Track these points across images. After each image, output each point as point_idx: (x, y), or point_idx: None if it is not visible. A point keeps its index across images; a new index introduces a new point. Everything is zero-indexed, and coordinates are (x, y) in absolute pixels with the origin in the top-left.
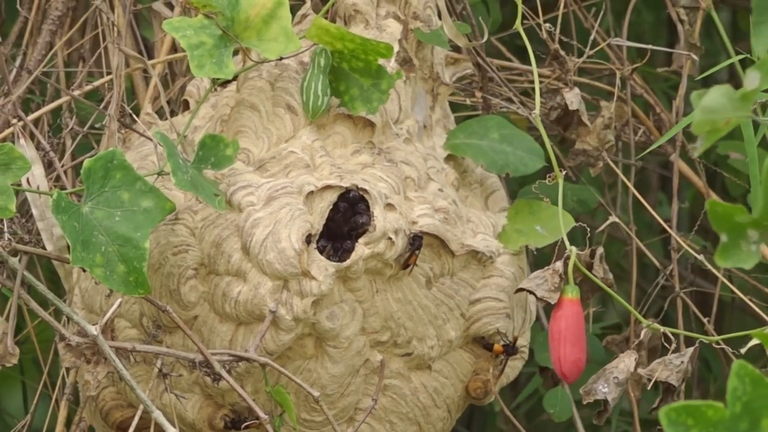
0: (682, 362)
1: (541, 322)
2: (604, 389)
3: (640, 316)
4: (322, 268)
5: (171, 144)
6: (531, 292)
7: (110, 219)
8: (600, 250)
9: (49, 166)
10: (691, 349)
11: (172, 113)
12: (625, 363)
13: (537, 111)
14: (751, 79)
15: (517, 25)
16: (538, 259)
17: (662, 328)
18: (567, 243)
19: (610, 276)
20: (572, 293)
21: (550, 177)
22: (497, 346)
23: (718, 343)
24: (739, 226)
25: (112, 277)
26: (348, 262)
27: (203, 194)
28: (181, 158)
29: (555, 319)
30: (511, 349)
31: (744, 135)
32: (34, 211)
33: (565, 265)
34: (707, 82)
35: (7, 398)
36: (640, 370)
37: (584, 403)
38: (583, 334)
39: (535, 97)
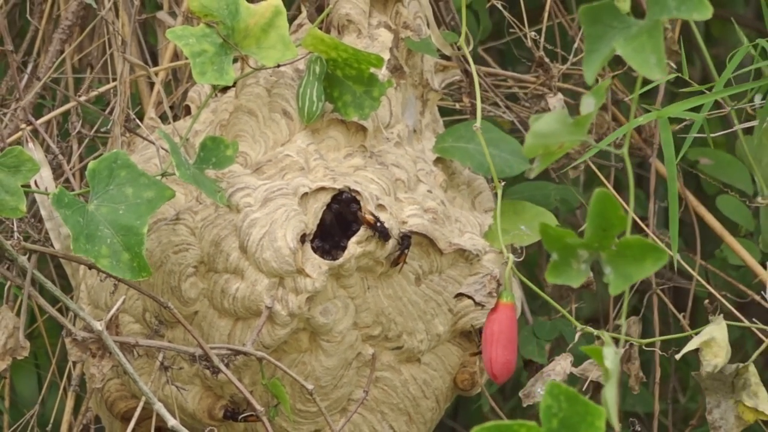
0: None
1: (525, 317)
2: (542, 392)
3: (575, 321)
4: (316, 266)
5: (174, 141)
6: (470, 297)
7: (115, 213)
8: None
9: (57, 168)
10: (622, 350)
11: (175, 118)
12: (561, 365)
13: (478, 123)
14: (586, 105)
15: (463, 47)
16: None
17: (595, 332)
18: (505, 251)
19: (590, 273)
20: (507, 298)
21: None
22: None
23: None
24: (570, 246)
25: (119, 265)
26: (341, 260)
27: (206, 189)
28: (184, 157)
29: (489, 322)
30: None
31: (662, 138)
32: (43, 212)
33: (503, 271)
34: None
35: (23, 388)
36: (573, 370)
37: (524, 405)
38: (515, 337)
39: (477, 114)
